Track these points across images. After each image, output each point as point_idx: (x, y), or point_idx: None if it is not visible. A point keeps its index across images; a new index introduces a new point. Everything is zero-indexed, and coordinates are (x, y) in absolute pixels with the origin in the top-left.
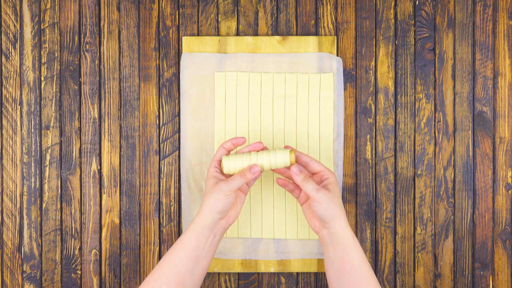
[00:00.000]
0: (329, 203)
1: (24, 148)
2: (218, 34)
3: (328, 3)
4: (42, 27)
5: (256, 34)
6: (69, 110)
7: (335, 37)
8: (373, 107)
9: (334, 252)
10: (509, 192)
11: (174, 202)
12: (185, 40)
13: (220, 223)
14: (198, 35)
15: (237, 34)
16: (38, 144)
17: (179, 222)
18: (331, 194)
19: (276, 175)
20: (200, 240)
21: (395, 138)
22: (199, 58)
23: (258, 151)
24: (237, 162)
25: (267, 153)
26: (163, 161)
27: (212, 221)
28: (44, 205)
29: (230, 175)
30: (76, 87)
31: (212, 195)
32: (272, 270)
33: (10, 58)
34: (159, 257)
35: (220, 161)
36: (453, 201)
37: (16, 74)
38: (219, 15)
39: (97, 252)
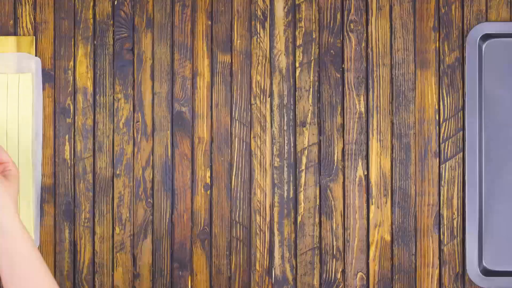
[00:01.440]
0: (2, 192)
1: (275, 149)
2: None
3: (27, 3)
4: (297, 2)
5: None
6: (329, 103)
7: (34, 37)
8: (72, 107)
9: (4, 243)
10: (207, 192)
11: (458, 215)
12: None
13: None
14: None
15: None
16: (291, 144)
17: (463, 240)
18: (8, 183)
19: None
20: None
21: (94, 138)
22: None
23: None
24: None
25: None
26: (443, 165)
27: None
28: (299, 219)
29: None
30: (339, 75)
31: None
32: None
33: (258, 40)
34: (439, 282)
35: None
36: (151, 201)
37: (266, 60)
38: None
39: (364, 276)
